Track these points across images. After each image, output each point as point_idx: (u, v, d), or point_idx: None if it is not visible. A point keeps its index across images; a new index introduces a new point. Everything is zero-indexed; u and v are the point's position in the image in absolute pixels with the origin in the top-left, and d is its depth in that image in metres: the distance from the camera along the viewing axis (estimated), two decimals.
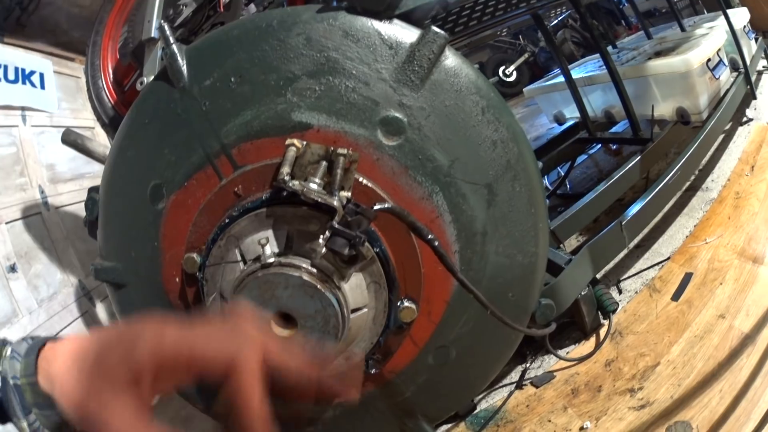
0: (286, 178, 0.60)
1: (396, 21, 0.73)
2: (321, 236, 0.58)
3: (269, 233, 0.63)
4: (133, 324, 0.35)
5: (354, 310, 0.64)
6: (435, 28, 0.71)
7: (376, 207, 0.58)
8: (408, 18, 0.75)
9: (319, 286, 0.55)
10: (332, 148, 0.63)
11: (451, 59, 0.72)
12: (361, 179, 0.66)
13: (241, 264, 0.66)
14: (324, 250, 0.57)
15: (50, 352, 0.38)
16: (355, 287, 0.64)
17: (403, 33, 0.72)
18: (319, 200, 0.57)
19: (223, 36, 0.75)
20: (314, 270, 0.57)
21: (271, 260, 0.58)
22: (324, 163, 0.60)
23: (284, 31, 0.72)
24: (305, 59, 0.70)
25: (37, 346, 0.39)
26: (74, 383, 0.33)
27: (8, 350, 0.42)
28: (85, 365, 0.33)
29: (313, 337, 0.58)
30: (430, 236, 0.61)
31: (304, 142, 0.64)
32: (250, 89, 0.71)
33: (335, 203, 0.56)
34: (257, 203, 0.65)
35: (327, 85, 0.69)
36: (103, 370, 0.32)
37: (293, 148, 0.63)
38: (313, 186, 0.58)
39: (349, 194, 0.61)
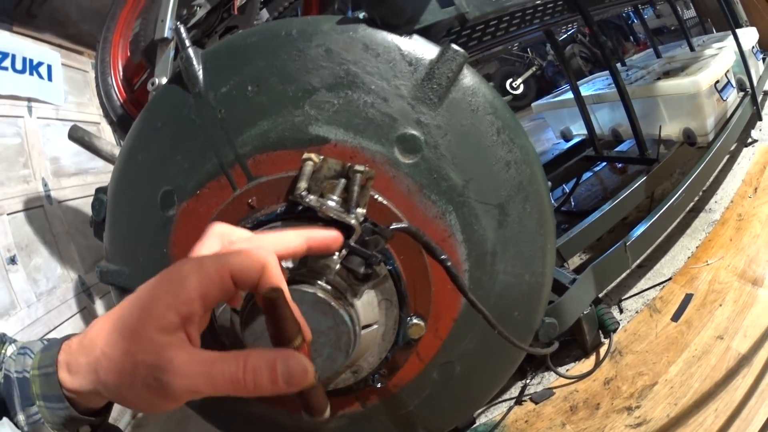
0: (303, 193, 0.59)
1: (416, 36, 0.73)
2: (336, 253, 0.57)
3: None
4: (166, 272, 0.35)
5: (364, 327, 0.64)
6: (454, 46, 0.71)
7: (393, 226, 0.58)
8: (426, 33, 0.75)
9: (333, 303, 0.55)
10: (349, 164, 0.62)
11: (469, 78, 0.72)
12: (376, 196, 0.66)
13: None
14: (338, 266, 0.57)
15: (73, 342, 0.38)
16: (367, 304, 0.63)
17: (423, 49, 0.72)
18: (337, 218, 0.56)
19: (241, 42, 0.75)
20: (328, 287, 0.56)
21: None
22: (342, 180, 0.60)
23: (304, 41, 0.71)
24: (325, 71, 0.70)
25: (59, 341, 0.39)
26: (120, 339, 0.33)
27: (9, 348, 0.43)
28: (130, 320, 0.33)
29: (324, 353, 0.58)
30: (443, 257, 0.61)
31: (321, 157, 0.64)
32: (267, 99, 0.71)
33: (353, 222, 0.56)
34: (272, 216, 0.65)
35: (346, 99, 0.69)
36: (154, 319, 0.32)
37: (310, 163, 0.62)
38: (331, 204, 0.58)
39: (365, 211, 0.61)
